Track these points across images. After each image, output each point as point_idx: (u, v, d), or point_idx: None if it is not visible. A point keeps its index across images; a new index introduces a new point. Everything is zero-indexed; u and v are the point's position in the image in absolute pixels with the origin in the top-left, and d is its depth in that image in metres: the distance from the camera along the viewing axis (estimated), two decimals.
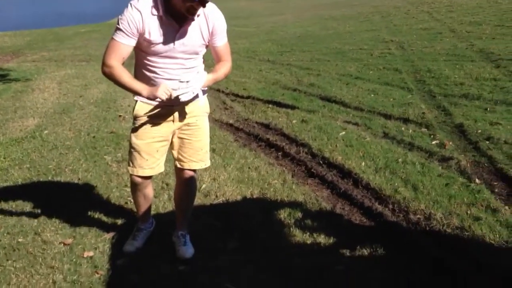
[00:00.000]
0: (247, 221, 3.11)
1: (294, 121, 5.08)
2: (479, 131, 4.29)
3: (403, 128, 4.62)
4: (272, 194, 3.51)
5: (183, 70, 2.38)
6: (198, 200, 3.39)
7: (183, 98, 2.28)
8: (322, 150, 4.20)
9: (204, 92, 2.46)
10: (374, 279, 2.45)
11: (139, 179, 2.58)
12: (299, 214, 3.17)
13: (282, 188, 3.58)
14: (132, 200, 2.96)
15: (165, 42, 2.27)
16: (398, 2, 17.73)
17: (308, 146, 4.34)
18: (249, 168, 3.99)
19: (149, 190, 2.70)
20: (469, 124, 4.50)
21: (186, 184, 2.70)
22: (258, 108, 5.78)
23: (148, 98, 2.32)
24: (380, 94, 5.94)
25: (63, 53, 12.22)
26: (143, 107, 2.45)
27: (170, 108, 2.44)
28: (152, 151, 2.51)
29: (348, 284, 2.44)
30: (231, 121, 5.37)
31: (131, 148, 2.54)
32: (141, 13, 2.21)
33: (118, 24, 2.26)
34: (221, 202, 3.42)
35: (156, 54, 2.31)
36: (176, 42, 2.29)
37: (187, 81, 2.28)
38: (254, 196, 3.50)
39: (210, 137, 4.16)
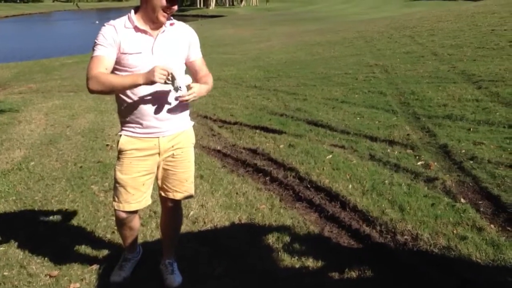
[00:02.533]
0: (235, 247, 3.11)
1: (281, 146, 5.11)
2: (463, 151, 4.36)
3: (389, 150, 4.68)
4: (260, 219, 3.51)
5: (165, 87, 2.31)
6: (186, 226, 3.38)
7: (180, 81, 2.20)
8: (309, 173, 4.22)
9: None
10: None
11: (124, 214, 2.53)
12: (287, 238, 3.17)
13: (270, 213, 3.59)
14: None
15: (143, 52, 2.28)
16: (381, 27, 18.11)
17: (295, 170, 4.36)
18: (237, 193, 4.00)
19: (135, 222, 2.65)
20: (453, 144, 4.57)
21: (171, 213, 2.70)
22: (246, 133, 5.81)
23: (146, 84, 2.19)
24: (366, 117, 6.02)
25: (50, 84, 12.22)
26: (128, 141, 2.42)
27: (156, 138, 2.41)
28: (138, 185, 2.46)
29: None
30: (218, 147, 5.39)
31: (116, 183, 2.48)
32: (114, 27, 2.28)
33: (94, 44, 2.27)
34: (209, 228, 3.42)
35: (135, 68, 2.27)
36: (155, 51, 2.30)
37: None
38: (242, 222, 3.50)
39: (198, 164, 4.16)
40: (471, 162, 4.10)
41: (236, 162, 4.89)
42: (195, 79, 2.48)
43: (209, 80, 2.47)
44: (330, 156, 4.61)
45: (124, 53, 2.26)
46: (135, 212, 2.57)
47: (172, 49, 2.35)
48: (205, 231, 3.38)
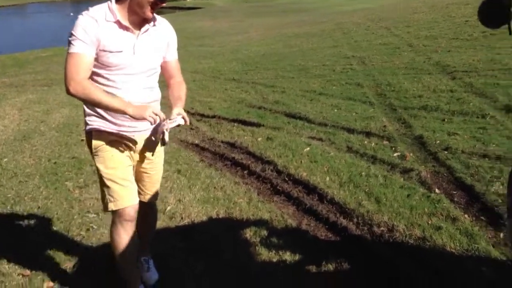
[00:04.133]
0: (213, 242, 3.10)
1: (259, 139, 5.10)
2: (438, 142, 4.41)
3: (365, 142, 4.71)
4: (238, 213, 3.50)
5: (143, 90, 2.23)
6: (163, 222, 3.35)
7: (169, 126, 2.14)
8: (287, 167, 4.22)
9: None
10: None
11: (127, 214, 2.27)
12: (265, 232, 3.17)
13: (248, 207, 3.58)
14: (110, 238, 2.43)
15: (125, 50, 2.13)
16: (359, 19, 18.18)
17: (273, 163, 4.35)
18: (214, 188, 3.98)
19: (135, 232, 2.37)
20: (428, 135, 4.62)
21: (145, 210, 2.60)
22: (224, 127, 5.78)
23: (133, 117, 2.08)
24: (343, 109, 6.04)
25: (23, 78, 11.95)
26: (100, 135, 2.26)
27: (131, 134, 2.29)
28: (127, 175, 2.30)
29: None
30: (196, 141, 5.34)
31: (105, 180, 2.25)
32: (96, 20, 2.07)
33: (71, 36, 2.04)
34: (186, 223, 3.39)
35: (115, 67, 2.13)
36: (136, 50, 2.16)
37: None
38: (220, 216, 3.48)
39: (176, 158, 4.14)
40: (446, 152, 4.16)
41: (214, 156, 4.86)
42: (167, 84, 2.41)
43: (182, 93, 2.33)
44: (308, 148, 4.62)
45: (104, 50, 2.10)
46: (135, 208, 2.33)
47: (153, 50, 2.24)
48: (182, 227, 3.35)
